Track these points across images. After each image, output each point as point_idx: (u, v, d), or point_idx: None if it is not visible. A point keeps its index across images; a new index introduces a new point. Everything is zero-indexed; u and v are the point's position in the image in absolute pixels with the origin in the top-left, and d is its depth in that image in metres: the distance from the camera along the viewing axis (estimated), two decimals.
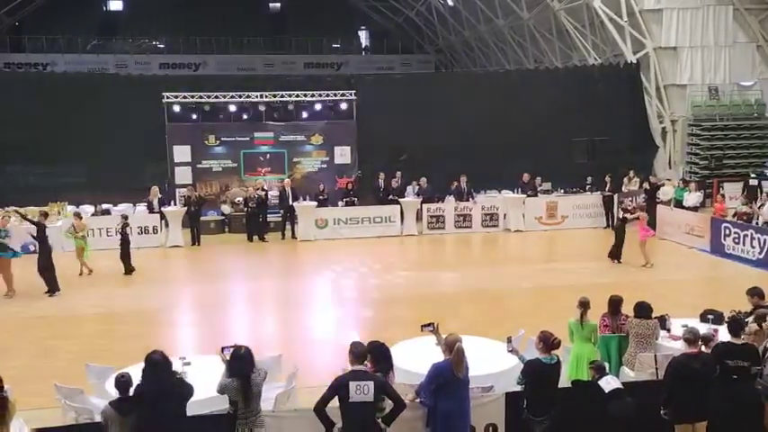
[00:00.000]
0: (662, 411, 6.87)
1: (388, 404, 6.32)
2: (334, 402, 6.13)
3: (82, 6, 40.12)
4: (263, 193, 20.13)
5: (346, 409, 6.09)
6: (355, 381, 6.07)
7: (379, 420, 6.25)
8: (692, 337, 6.89)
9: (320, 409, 6.09)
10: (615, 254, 16.50)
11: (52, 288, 14.41)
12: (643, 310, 8.49)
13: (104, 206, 20.44)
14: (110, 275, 15.90)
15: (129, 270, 16.23)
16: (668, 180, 23.00)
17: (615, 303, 8.66)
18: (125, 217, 17.00)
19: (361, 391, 6.04)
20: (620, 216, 17.06)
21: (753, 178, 23.09)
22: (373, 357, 6.72)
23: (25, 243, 16.21)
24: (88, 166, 21.36)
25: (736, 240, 16.84)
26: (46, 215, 15.56)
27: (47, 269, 14.38)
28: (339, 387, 6.09)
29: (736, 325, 7.30)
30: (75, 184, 21.04)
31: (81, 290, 14.79)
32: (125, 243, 16.29)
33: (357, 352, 6.30)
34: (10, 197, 19.55)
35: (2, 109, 21.17)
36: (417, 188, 21.06)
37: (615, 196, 20.89)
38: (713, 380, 6.82)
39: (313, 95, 22.14)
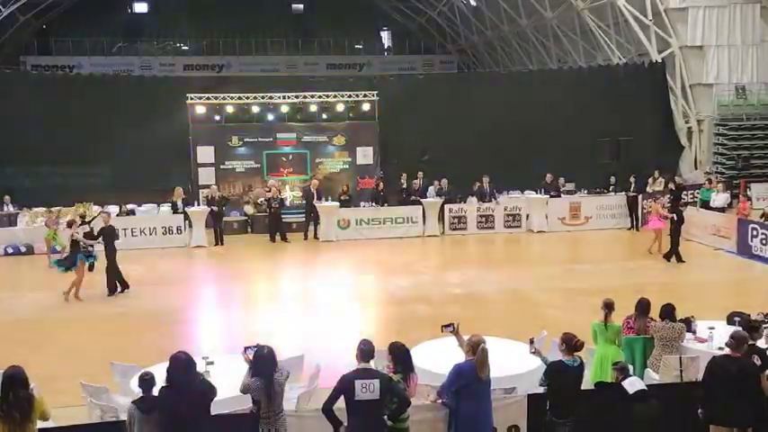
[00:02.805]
0: (699, 411, 6.86)
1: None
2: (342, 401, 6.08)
3: (107, 9, 40.56)
4: (269, 193, 19.86)
5: (352, 408, 6.04)
6: (361, 379, 6.02)
7: (386, 417, 6.19)
8: (733, 343, 6.83)
9: (328, 408, 6.03)
10: (668, 255, 16.31)
11: (111, 288, 14.43)
12: (668, 313, 8.41)
13: (129, 206, 20.67)
14: (133, 276, 16.00)
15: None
16: (708, 172, 22.67)
17: (644, 306, 8.58)
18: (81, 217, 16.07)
19: (367, 390, 5.98)
20: (672, 217, 16.42)
21: None
22: (394, 359, 6.72)
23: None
24: (113, 166, 21.59)
25: (764, 241, 16.58)
26: (109, 215, 15.48)
27: (108, 270, 14.43)
28: (345, 385, 6.03)
29: (749, 328, 7.38)
30: (101, 185, 21.26)
31: (104, 290, 14.92)
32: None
33: (365, 350, 6.20)
34: (37, 198, 19.91)
35: (29, 110, 21.48)
36: (438, 188, 21.02)
37: (640, 197, 20.70)
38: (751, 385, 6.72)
39: (335, 96, 22.21)
